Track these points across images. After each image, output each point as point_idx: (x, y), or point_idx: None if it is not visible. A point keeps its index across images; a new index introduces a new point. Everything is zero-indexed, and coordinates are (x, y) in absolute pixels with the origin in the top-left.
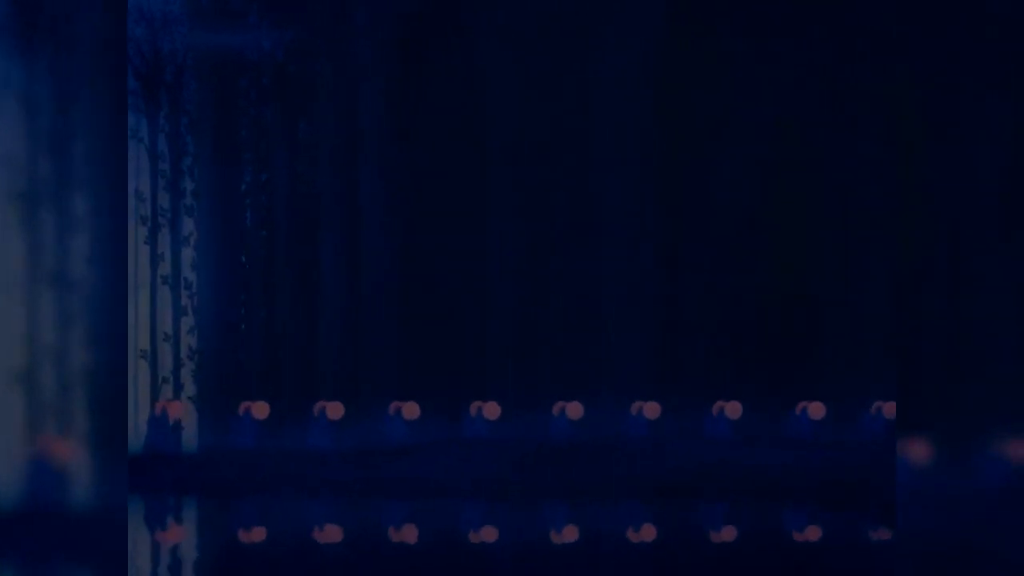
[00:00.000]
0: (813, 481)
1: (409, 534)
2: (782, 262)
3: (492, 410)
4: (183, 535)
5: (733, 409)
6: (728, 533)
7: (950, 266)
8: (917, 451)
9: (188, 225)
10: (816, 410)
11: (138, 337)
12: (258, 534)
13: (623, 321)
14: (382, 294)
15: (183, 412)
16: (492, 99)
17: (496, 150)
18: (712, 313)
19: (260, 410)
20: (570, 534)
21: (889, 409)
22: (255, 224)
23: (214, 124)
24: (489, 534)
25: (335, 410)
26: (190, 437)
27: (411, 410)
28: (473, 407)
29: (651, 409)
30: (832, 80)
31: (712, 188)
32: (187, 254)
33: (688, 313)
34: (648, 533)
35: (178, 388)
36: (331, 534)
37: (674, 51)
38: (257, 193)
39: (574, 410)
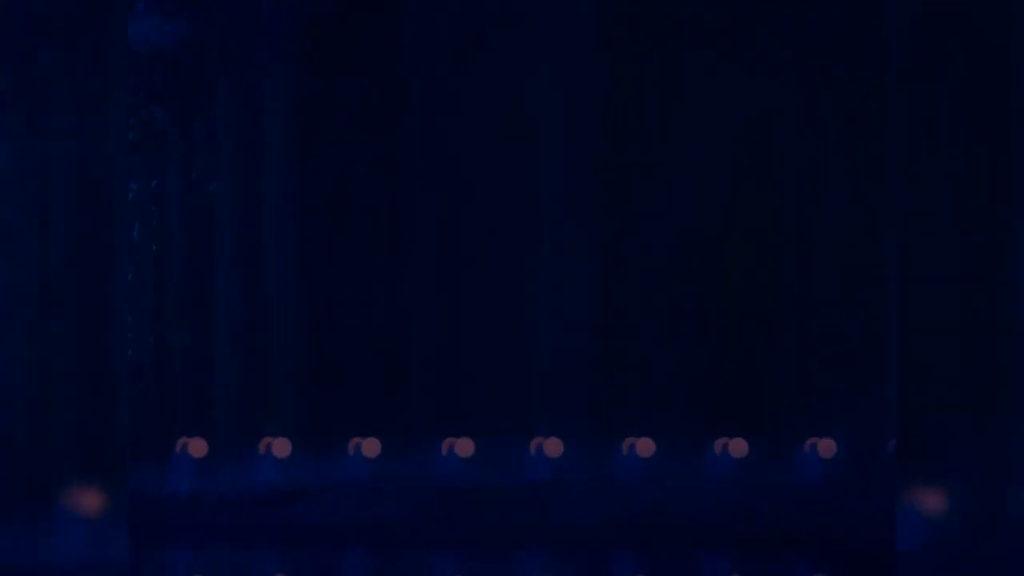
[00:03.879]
0: (821, 527)
1: None
2: (768, 279)
3: (464, 447)
4: None
5: (737, 447)
6: None
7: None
8: (925, 498)
9: None
10: (826, 447)
11: None
12: None
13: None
14: (291, 315)
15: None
16: (410, 101)
17: (415, 157)
18: (709, 343)
19: (197, 447)
20: None
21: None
22: (144, 237)
23: None
24: None
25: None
26: None
27: (371, 447)
28: (445, 444)
29: (644, 446)
30: (795, 82)
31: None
32: None
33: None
34: None
35: None
36: None
37: (617, 58)
38: (146, 202)
39: (553, 447)
